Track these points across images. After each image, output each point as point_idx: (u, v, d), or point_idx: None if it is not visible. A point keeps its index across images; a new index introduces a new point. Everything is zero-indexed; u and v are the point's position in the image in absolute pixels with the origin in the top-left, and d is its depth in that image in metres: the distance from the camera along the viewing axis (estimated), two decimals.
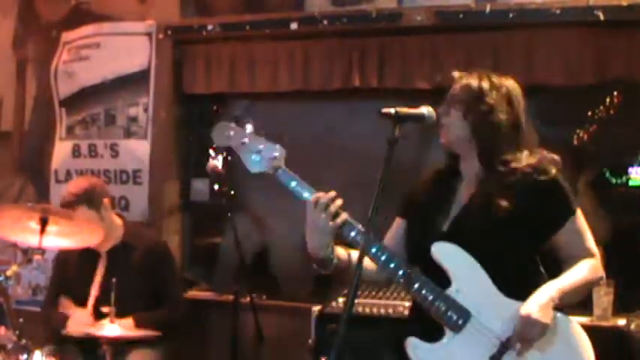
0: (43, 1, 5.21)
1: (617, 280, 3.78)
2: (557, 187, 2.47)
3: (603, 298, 3.75)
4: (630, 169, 4.32)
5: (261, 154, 2.50)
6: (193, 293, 4.76)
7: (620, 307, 3.80)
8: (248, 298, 4.12)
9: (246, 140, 2.52)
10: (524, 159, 2.47)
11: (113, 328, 3.45)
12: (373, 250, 2.40)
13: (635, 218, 4.33)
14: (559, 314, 2.39)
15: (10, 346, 3.40)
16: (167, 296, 4.02)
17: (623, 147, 4.36)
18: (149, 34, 4.84)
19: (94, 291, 3.85)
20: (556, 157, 2.54)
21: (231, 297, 4.18)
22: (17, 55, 5.26)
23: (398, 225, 2.67)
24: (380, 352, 3.57)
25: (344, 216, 2.40)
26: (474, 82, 2.52)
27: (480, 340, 2.36)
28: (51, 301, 4.11)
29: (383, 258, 2.41)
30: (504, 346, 2.34)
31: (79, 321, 3.78)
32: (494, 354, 2.35)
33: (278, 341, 4.28)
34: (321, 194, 2.41)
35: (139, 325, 3.74)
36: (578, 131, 4.40)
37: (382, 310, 3.69)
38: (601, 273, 2.51)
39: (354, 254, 2.47)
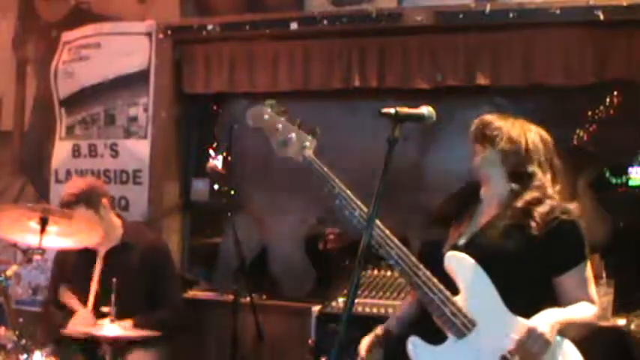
0: (43, 1, 5.21)
1: (617, 280, 3.78)
2: (576, 230, 2.51)
3: (603, 298, 3.74)
4: (630, 169, 4.32)
5: (293, 142, 2.64)
6: (193, 293, 4.75)
7: (620, 307, 3.80)
8: (248, 298, 4.12)
9: (279, 126, 2.65)
10: (552, 191, 2.54)
11: (113, 328, 3.45)
12: (387, 249, 2.46)
13: (635, 218, 4.33)
14: (562, 339, 2.41)
15: (10, 346, 3.39)
16: (166, 296, 4.01)
17: (623, 147, 4.36)
18: (149, 34, 4.84)
19: (93, 291, 3.84)
20: (578, 204, 2.59)
21: (231, 297, 4.19)
22: (17, 55, 5.27)
23: None
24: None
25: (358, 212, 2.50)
26: (514, 135, 2.62)
27: (481, 351, 2.38)
28: (52, 300, 4.11)
29: (396, 256, 2.44)
30: (508, 359, 2.35)
31: (80, 321, 3.78)
32: None
33: (278, 341, 4.28)
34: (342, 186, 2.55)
35: (138, 326, 3.73)
36: (578, 131, 4.40)
37: (382, 310, 3.69)
38: (597, 322, 2.54)
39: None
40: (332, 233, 4.74)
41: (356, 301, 2.25)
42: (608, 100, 4.35)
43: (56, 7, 5.17)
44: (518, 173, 2.56)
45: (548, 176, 2.59)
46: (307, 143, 2.65)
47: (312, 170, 2.61)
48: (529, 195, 2.51)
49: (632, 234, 4.30)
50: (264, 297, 4.63)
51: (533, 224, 2.45)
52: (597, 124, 4.38)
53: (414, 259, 2.45)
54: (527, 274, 2.46)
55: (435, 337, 2.42)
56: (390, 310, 3.69)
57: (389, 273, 3.94)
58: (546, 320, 2.35)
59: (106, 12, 5.02)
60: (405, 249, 2.47)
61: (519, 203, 2.50)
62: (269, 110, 2.68)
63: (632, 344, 3.51)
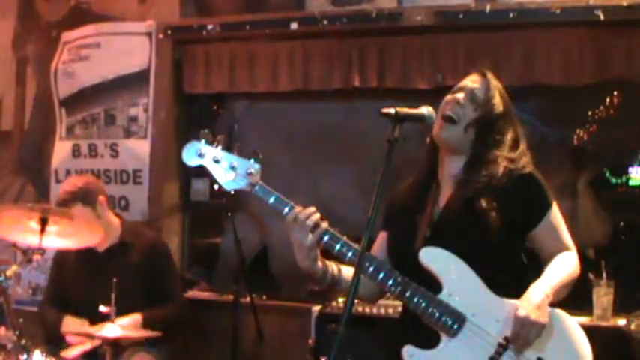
0: (43, 1, 5.21)
1: (617, 280, 3.79)
2: (533, 181, 2.47)
3: (603, 298, 3.75)
4: (630, 169, 4.32)
5: (236, 171, 2.43)
6: (193, 293, 4.76)
7: (620, 307, 3.80)
8: (248, 298, 4.12)
9: (218, 157, 2.44)
10: (504, 157, 2.48)
11: (113, 328, 3.45)
12: (366, 264, 2.38)
13: (635, 218, 4.33)
14: (554, 310, 2.39)
15: (10, 346, 3.39)
16: (167, 295, 4.01)
17: (623, 147, 4.36)
18: (149, 34, 4.84)
19: (93, 291, 3.84)
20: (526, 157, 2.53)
21: (231, 297, 4.19)
22: (17, 55, 5.27)
23: (382, 238, 2.65)
24: (379, 351, 3.58)
25: (323, 226, 2.40)
26: (499, 100, 2.53)
27: (476, 342, 2.36)
28: (48, 301, 4.11)
29: (371, 268, 2.39)
30: (502, 346, 2.33)
31: (73, 324, 3.79)
32: (492, 355, 2.34)
33: (278, 341, 4.28)
34: (298, 209, 2.40)
35: (146, 320, 3.74)
36: (578, 131, 4.40)
37: (382, 310, 3.69)
38: (578, 266, 2.51)
39: (345, 269, 2.48)
40: None
41: (356, 301, 2.24)
42: (608, 100, 4.35)
43: (56, 7, 5.16)
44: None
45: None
46: (252, 170, 2.44)
47: (262, 198, 2.44)
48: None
49: (632, 234, 4.31)
50: (264, 297, 4.63)
51: (488, 194, 2.40)
52: (597, 124, 4.38)
53: (389, 266, 2.42)
54: (500, 243, 2.41)
55: (426, 337, 2.39)
56: (390, 311, 3.70)
57: None
58: (535, 301, 2.31)
59: (106, 12, 5.02)
60: (378, 259, 2.43)
61: (472, 178, 2.45)
62: (204, 144, 2.45)
63: (632, 344, 3.51)
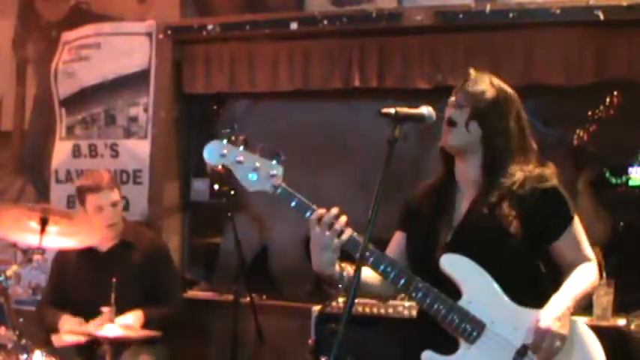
0: (43, 1, 5.21)
1: (617, 280, 3.78)
2: (558, 194, 2.48)
3: (603, 298, 3.75)
4: (630, 169, 4.32)
5: (259, 172, 2.38)
6: (193, 293, 4.76)
7: (620, 307, 3.80)
8: (248, 298, 4.12)
9: (241, 158, 2.39)
10: (525, 167, 2.48)
11: (113, 329, 3.45)
12: (382, 266, 2.38)
13: (635, 218, 4.33)
14: (574, 321, 2.40)
15: (10, 346, 3.39)
16: (166, 296, 4.02)
17: (623, 147, 4.36)
18: (149, 34, 4.84)
19: (93, 291, 3.84)
20: (552, 165, 2.55)
21: (231, 297, 4.19)
22: (17, 55, 5.26)
23: (398, 238, 2.64)
24: (380, 352, 3.57)
25: (349, 232, 2.36)
26: (489, 88, 2.52)
27: (495, 350, 2.35)
28: (47, 301, 4.11)
29: (392, 275, 2.38)
30: (521, 354, 2.33)
31: (71, 323, 3.80)
32: None
33: (278, 341, 4.28)
34: (323, 211, 2.37)
35: (146, 319, 3.75)
36: (578, 131, 4.40)
37: (382, 310, 3.69)
38: (598, 277, 2.52)
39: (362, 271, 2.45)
40: None
41: (356, 301, 2.24)
42: (608, 100, 4.35)
43: (56, 7, 5.16)
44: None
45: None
46: (275, 171, 2.38)
47: (285, 200, 2.39)
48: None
49: (632, 234, 4.30)
50: (264, 297, 4.63)
51: (511, 203, 2.40)
52: (597, 124, 4.37)
53: (410, 272, 2.40)
54: (521, 251, 2.41)
55: (444, 342, 2.39)
56: (391, 311, 3.70)
57: None
58: (557, 312, 2.32)
59: (106, 12, 5.02)
60: (399, 264, 2.43)
61: (494, 185, 2.44)
62: (225, 143, 2.40)
63: (632, 344, 3.51)
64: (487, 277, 2.40)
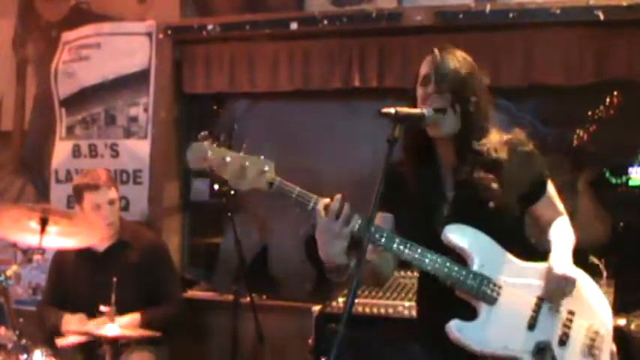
0: (43, 1, 5.21)
1: (617, 280, 3.78)
2: (537, 158, 2.58)
3: None
4: (630, 169, 4.32)
5: (249, 171, 2.30)
6: (193, 293, 4.75)
7: (620, 307, 3.79)
8: (248, 298, 4.12)
9: (228, 159, 2.31)
10: (494, 136, 2.54)
11: (113, 328, 3.45)
12: (394, 245, 2.39)
13: (635, 218, 4.33)
14: (576, 269, 2.53)
15: (10, 346, 3.39)
16: (166, 296, 4.02)
17: (623, 147, 4.36)
18: (149, 34, 4.84)
19: (92, 291, 3.84)
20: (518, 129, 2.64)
21: (231, 297, 4.19)
22: (17, 55, 5.26)
23: (382, 220, 2.57)
24: (380, 352, 3.57)
25: (357, 218, 2.34)
26: (459, 64, 2.57)
27: (515, 306, 2.44)
28: (47, 301, 4.11)
29: (407, 251, 2.40)
30: (538, 305, 2.45)
31: (74, 322, 3.79)
32: (531, 314, 2.44)
33: (278, 341, 4.28)
34: (328, 200, 2.34)
35: (145, 320, 3.75)
36: (578, 131, 4.40)
37: (382, 310, 3.69)
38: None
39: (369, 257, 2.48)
40: None
41: (356, 301, 2.24)
42: (608, 100, 4.35)
43: (56, 7, 5.16)
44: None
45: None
46: (266, 167, 2.31)
47: (284, 194, 2.33)
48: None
49: (632, 234, 4.30)
50: (264, 297, 4.63)
51: (497, 172, 2.47)
52: (597, 124, 4.37)
53: (421, 247, 2.41)
54: (512, 215, 2.51)
55: (460, 316, 2.44)
56: (391, 311, 3.70)
57: None
58: (566, 260, 2.48)
59: (106, 12, 5.02)
60: (407, 241, 2.44)
61: (471, 158, 2.49)
62: (207, 145, 2.32)
63: (632, 344, 3.51)
64: (491, 241, 2.48)
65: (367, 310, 3.69)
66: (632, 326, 3.57)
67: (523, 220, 2.60)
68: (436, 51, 2.59)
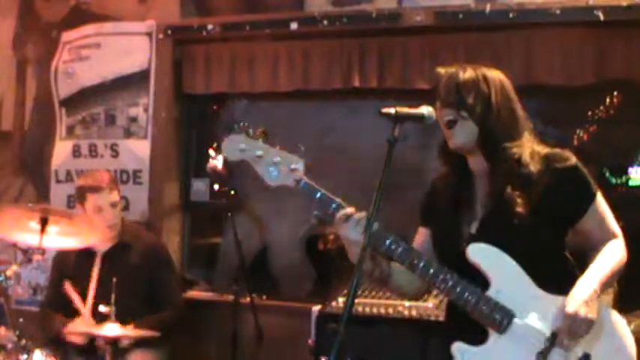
0: (43, 1, 5.21)
1: (617, 280, 3.78)
2: (577, 173, 2.47)
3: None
4: (630, 169, 4.32)
5: (279, 167, 2.38)
6: (193, 293, 4.76)
7: (620, 307, 3.79)
8: (248, 298, 4.12)
9: (260, 153, 2.39)
10: (528, 146, 2.46)
11: (113, 328, 3.45)
12: (409, 259, 2.38)
13: (635, 218, 4.32)
14: (603, 305, 2.42)
15: (10, 346, 3.40)
16: (166, 298, 4.02)
17: (623, 147, 4.36)
18: (149, 34, 4.84)
19: (92, 291, 3.84)
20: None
21: (231, 297, 4.18)
22: (17, 55, 5.26)
23: (422, 235, 2.62)
24: (380, 352, 3.57)
25: (375, 227, 2.31)
26: (461, 73, 2.50)
27: (525, 338, 2.35)
28: (49, 302, 4.10)
29: (421, 265, 2.38)
30: (551, 342, 2.33)
31: (79, 324, 3.79)
32: (541, 350, 2.33)
33: (278, 341, 4.28)
34: (350, 210, 2.38)
35: (146, 327, 3.73)
36: (578, 131, 4.40)
37: (382, 310, 3.69)
38: (625, 253, 2.52)
39: (394, 265, 2.47)
40: (332, 233, 4.74)
41: (356, 301, 2.24)
42: (608, 100, 4.35)
43: (56, 7, 5.16)
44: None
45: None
46: (296, 165, 2.38)
47: (309, 193, 2.39)
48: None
49: (633, 234, 4.29)
50: (264, 297, 4.63)
51: (531, 187, 2.39)
52: (597, 124, 4.37)
53: (437, 264, 2.39)
54: (545, 240, 2.42)
55: (472, 335, 2.39)
56: (391, 311, 3.69)
57: None
58: (584, 296, 2.32)
59: (106, 12, 5.02)
60: (426, 257, 2.41)
61: (502, 169, 2.43)
62: (244, 137, 2.39)
63: None
64: (514, 266, 2.39)
65: (367, 310, 3.69)
66: (632, 326, 3.55)
67: (560, 240, 2.48)
68: (438, 70, 2.59)
